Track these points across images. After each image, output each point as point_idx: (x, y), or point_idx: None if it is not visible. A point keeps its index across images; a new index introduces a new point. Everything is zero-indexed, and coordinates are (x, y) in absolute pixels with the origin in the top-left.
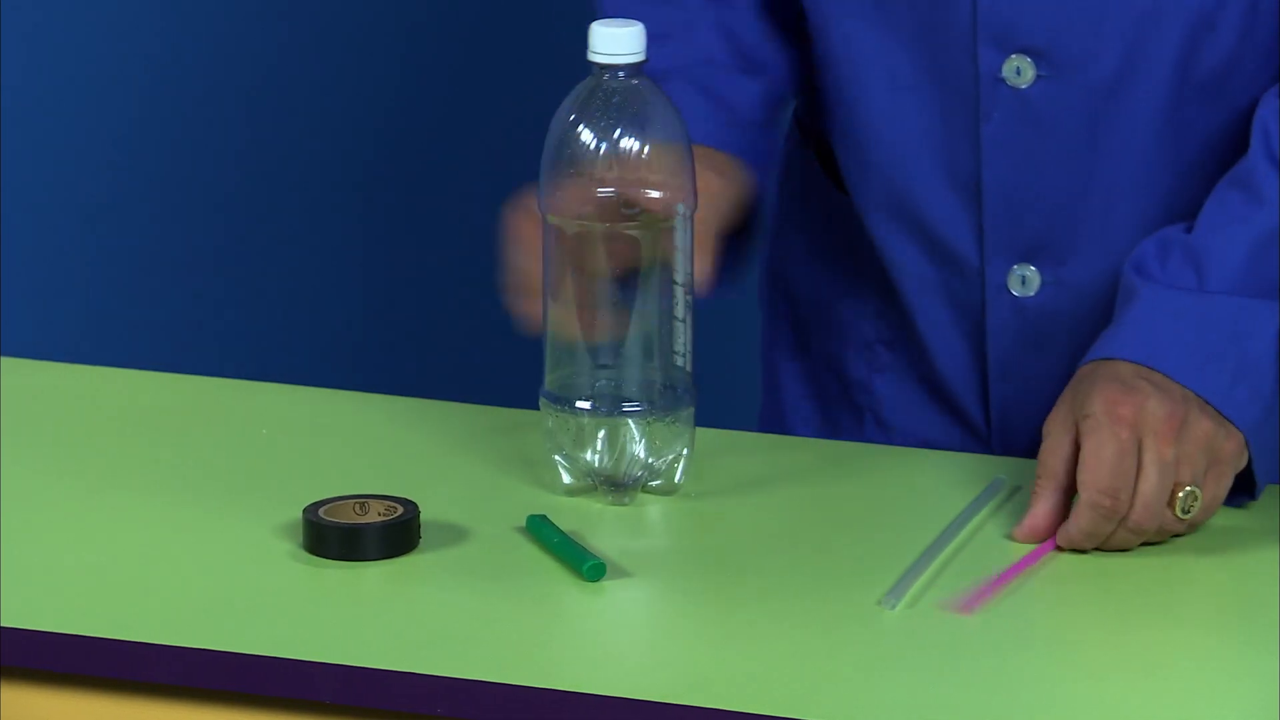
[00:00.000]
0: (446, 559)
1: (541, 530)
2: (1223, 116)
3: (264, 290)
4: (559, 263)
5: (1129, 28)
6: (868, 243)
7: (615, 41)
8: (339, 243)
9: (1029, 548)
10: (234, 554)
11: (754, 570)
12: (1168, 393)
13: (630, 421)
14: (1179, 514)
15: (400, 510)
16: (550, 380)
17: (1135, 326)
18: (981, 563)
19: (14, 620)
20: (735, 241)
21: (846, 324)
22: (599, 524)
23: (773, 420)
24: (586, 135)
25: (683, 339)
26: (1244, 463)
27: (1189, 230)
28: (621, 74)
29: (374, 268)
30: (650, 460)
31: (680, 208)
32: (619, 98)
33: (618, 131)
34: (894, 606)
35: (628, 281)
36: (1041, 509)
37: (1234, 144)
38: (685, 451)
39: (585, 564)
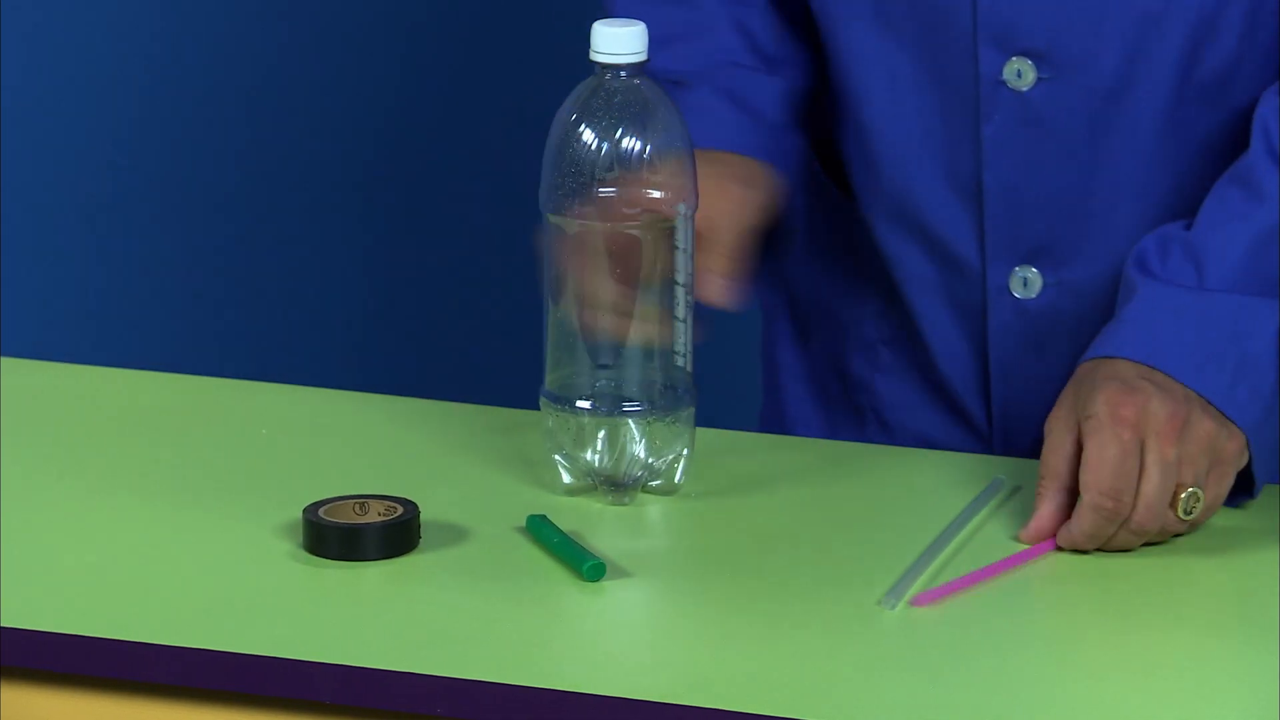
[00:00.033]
0: (446, 559)
1: (541, 530)
2: (1224, 118)
3: (264, 290)
4: (559, 263)
5: (1129, 30)
6: (869, 242)
7: (617, 41)
8: (339, 243)
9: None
10: (234, 554)
11: (754, 570)
12: (1170, 393)
13: (630, 421)
14: (1181, 515)
15: (400, 510)
16: (550, 380)
17: (1136, 324)
18: (981, 563)
19: (14, 620)
20: (766, 248)
21: (848, 324)
22: (599, 524)
23: (773, 420)
24: (588, 135)
25: (683, 339)
26: (1245, 462)
27: (1189, 227)
28: (623, 74)
29: (374, 268)
30: (650, 460)
31: (681, 208)
32: (620, 97)
33: (619, 131)
34: (894, 606)
35: (628, 281)
36: (1046, 509)
37: (1235, 145)
38: (685, 451)
39: (585, 564)
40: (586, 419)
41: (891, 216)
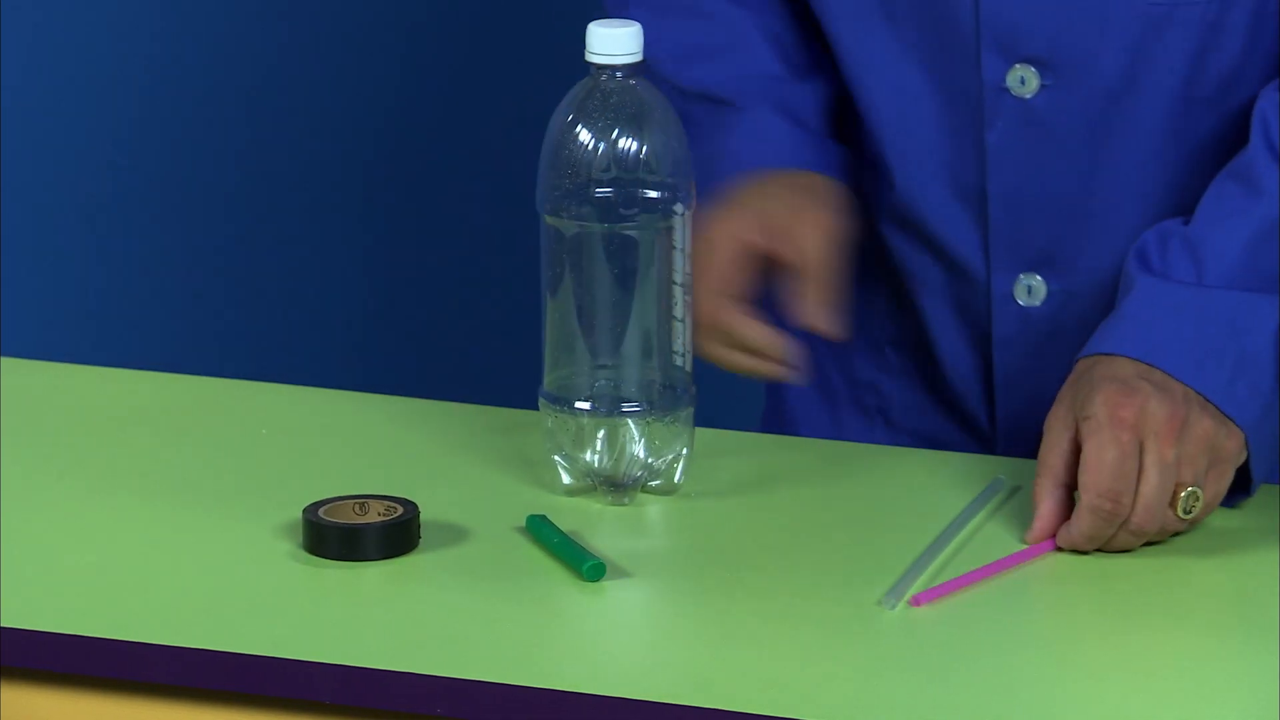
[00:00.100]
0: (446, 559)
1: (541, 530)
2: (1228, 122)
3: (264, 290)
4: (558, 262)
5: (1133, 35)
6: (877, 244)
7: (613, 42)
8: (339, 243)
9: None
10: (234, 554)
11: (754, 570)
12: (1169, 393)
13: (630, 421)
14: (1180, 514)
15: (400, 510)
16: (550, 380)
17: (1135, 321)
18: (981, 563)
19: (14, 620)
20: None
21: (857, 323)
22: (599, 524)
23: (776, 420)
24: (584, 136)
25: (682, 339)
26: (1244, 459)
27: (1188, 222)
28: (619, 74)
29: (374, 267)
30: (650, 460)
31: (679, 207)
32: (616, 98)
33: (615, 132)
34: (894, 606)
35: (627, 281)
36: (1046, 508)
37: (1240, 150)
38: (685, 451)
39: (585, 564)
40: (586, 419)
41: (898, 221)
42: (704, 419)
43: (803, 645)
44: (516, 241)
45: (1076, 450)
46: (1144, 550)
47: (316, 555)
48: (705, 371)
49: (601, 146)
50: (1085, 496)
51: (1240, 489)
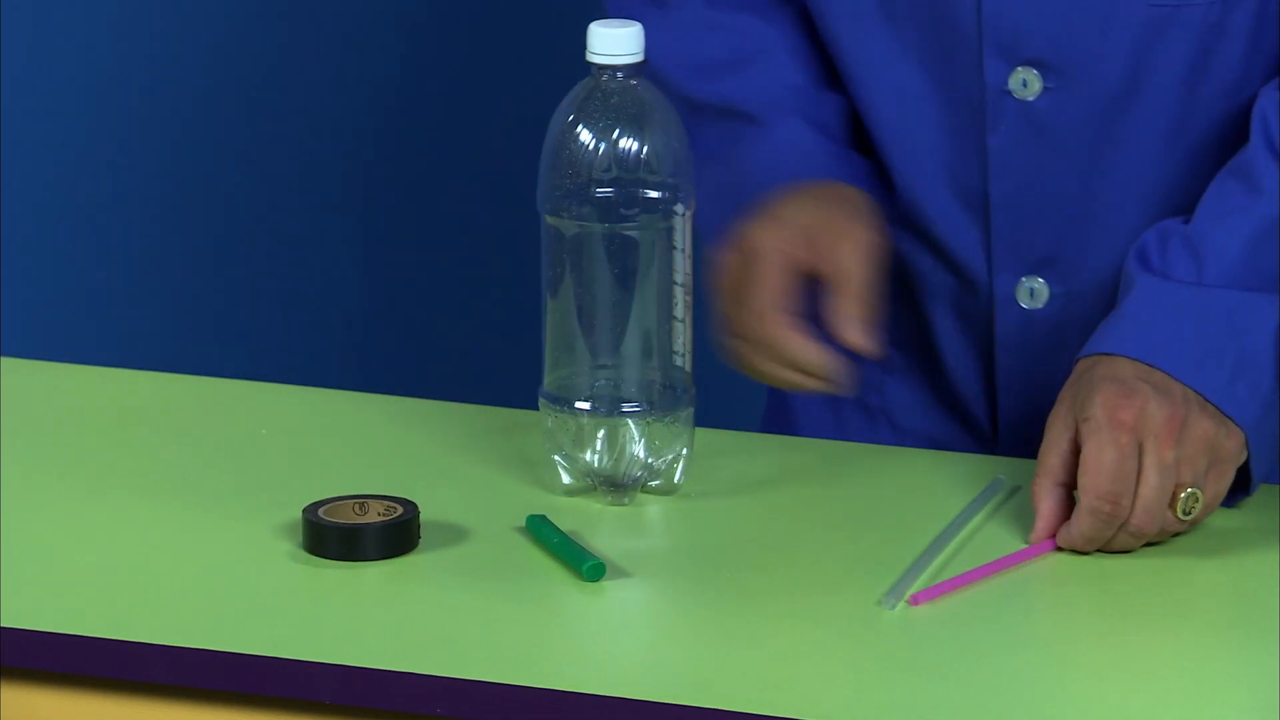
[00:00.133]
0: (446, 559)
1: (541, 530)
2: (1230, 124)
3: (264, 290)
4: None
5: (1136, 37)
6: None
7: (614, 42)
8: (339, 243)
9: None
10: (234, 554)
11: (754, 570)
12: (1167, 394)
13: (630, 421)
14: (1180, 515)
15: (400, 510)
16: (550, 380)
17: (1135, 321)
18: (981, 563)
19: (14, 620)
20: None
21: None
22: (599, 524)
23: (778, 420)
24: (585, 136)
25: (682, 339)
26: (1243, 459)
27: (1188, 221)
28: (620, 74)
29: (374, 268)
30: (650, 460)
31: (679, 207)
32: (617, 98)
33: (616, 132)
34: (894, 606)
35: (627, 282)
36: (1046, 506)
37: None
38: (685, 451)
39: (585, 564)
40: (586, 419)
41: (900, 224)
42: (704, 419)
43: (803, 645)
44: (516, 241)
45: (1076, 450)
46: (1144, 550)
47: (316, 555)
48: (705, 371)
49: (602, 146)
50: (1084, 498)
51: (1240, 488)
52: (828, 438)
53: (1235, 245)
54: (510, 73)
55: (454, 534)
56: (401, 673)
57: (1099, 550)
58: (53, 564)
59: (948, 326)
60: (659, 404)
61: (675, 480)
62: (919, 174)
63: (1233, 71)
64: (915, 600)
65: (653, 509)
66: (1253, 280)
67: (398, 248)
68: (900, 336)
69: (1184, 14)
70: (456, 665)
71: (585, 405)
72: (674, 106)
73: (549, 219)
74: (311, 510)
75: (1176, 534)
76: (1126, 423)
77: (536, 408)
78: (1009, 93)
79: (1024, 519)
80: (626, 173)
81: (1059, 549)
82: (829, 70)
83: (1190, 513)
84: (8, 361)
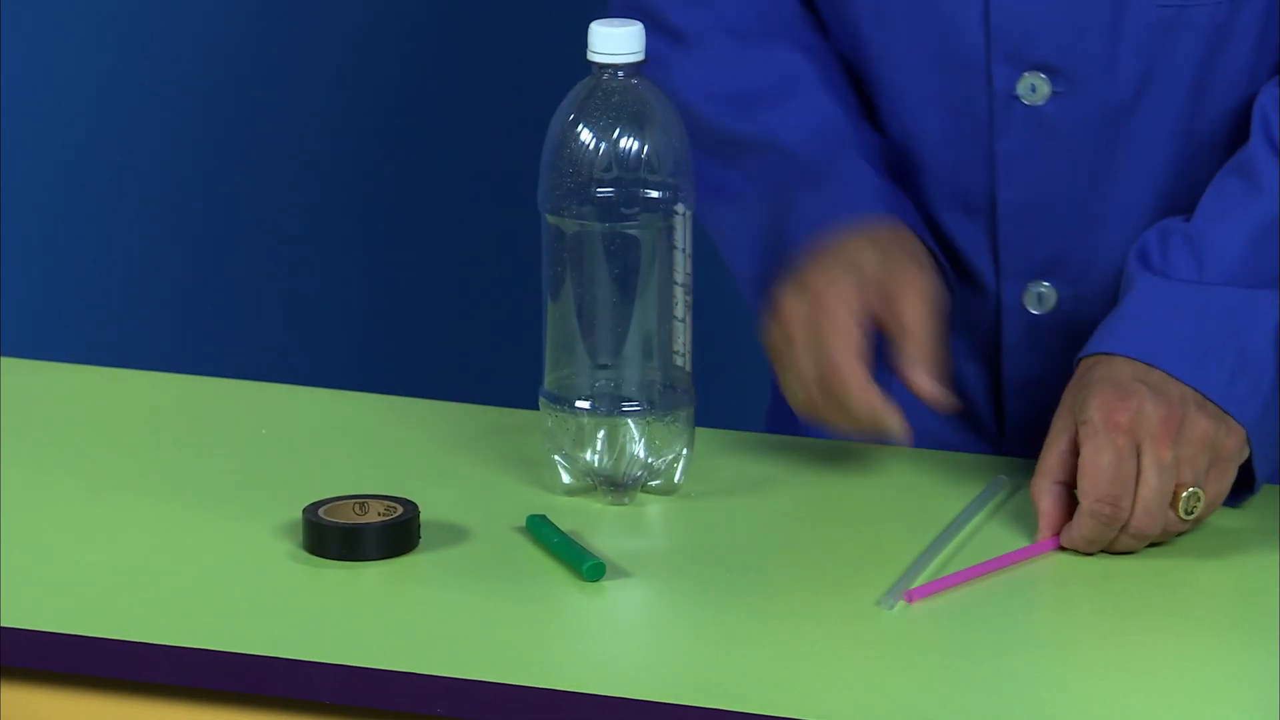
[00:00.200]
0: (446, 559)
1: (541, 530)
2: (1238, 126)
3: (264, 290)
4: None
5: (1144, 40)
6: None
7: (614, 41)
8: (339, 242)
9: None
10: (234, 554)
11: (754, 570)
12: (1164, 394)
13: (630, 421)
14: (1182, 515)
15: (400, 510)
16: (550, 380)
17: (1134, 321)
18: (981, 562)
19: (14, 620)
20: None
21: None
22: (599, 524)
23: (781, 418)
24: (586, 135)
25: (682, 339)
26: (1245, 457)
27: (1189, 219)
28: (621, 74)
29: (374, 268)
30: (650, 460)
31: (680, 207)
32: (618, 97)
33: (617, 131)
34: (892, 606)
35: (627, 281)
36: (1047, 506)
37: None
38: (685, 451)
39: (585, 564)
40: (586, 419)
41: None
42: (704, 419)
43: (803, 645)
44: (516, 241)
45: (1075, 451)
46: (1145, 550)
47: (316, 555)
48: (705, 371)
49: (603, 146)
50: (1084, 501)
51: (1245, 487)
52: (831, 437)
53: (1236, 243)
54: (510, 73)
55: (454, 534)
56: (401, 673)
57: (1102, 551)
58: (53, 564)
59: (954, 330)
60: (659, 404)
61: (675, 480)
62: (926, 180)
63: (1240, 72)
64: (911, 597)
65: (653, 509)
66: (1253, 277)
67: (398, 248)
68: None
69: (1192, 14)
70: (456, 665)
71: (585, 405)
72: (699, 140)
73: (549, 218)
74: (311, 510)
75: (1180, 534)
76: (1123, 424)
77: (536, 408)
78: (1017, 98)
79: (1024, 519)
80: (627, 172)
81: (1062, 548)
82: (861, 99)
83: (1192, 512)
84: (8, 361)
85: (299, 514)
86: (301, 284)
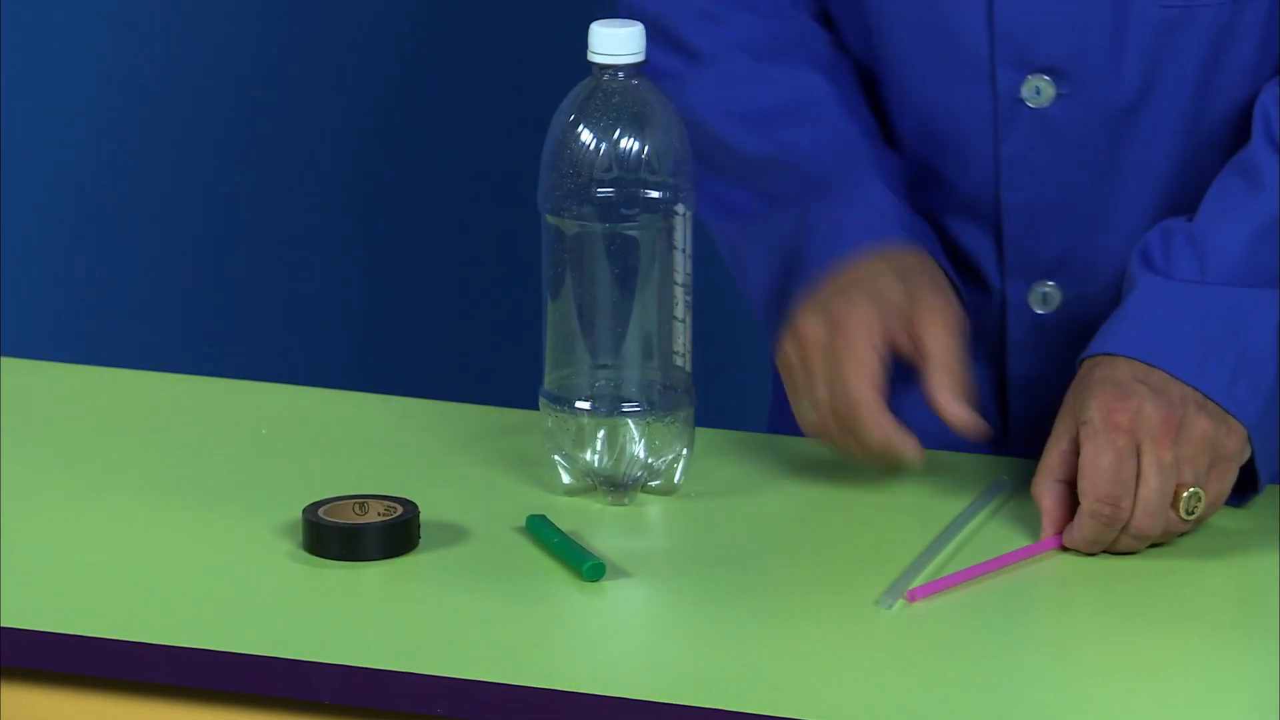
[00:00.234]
0: (446, 559)
1: (541, 530)
2: (1242, 126)
3: (264, 290)
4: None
5: (1148, 42)
6: None
7: (615, 42)
8: (339, 242)
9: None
10: (234, 554)
11: (754, 570)
12: (1164, 395)
13: (630, 421)
14: (1183, 515)
15: (400, 510)
16: (550, 380)
17: (1136, 321)
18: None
19: (14, 620)
20: None
21: None
22: (599, 524)
23: (783, 418)
24: (586, 136)
25: (682, 339)
26: (1246, 457)
27: (1191, 219)
28: (621, 74)
29: (374, 268)
30: (650, 460)
31: (680, 207)
32: (618, 98)
33: (617, 132)
34: (891, 606)
35: (627, 281)
36: (1049, 504)
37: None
38: (685, 452)
39: (585, 564)
40: (586, 419)
41: None
42: (704, 419)
43: (803, 645)
44: (516, 241)
45: (1076, 450)
46: (1145, 551)
47: (316, 555)
48: (705, 371)
49: (603, 146)
50: (1085, 502)
51: (1249, 487)
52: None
53: (1238, 243)
54: (510, 73)
55: (454, 534)
56: (401, 673)
57: (1104, 552)
58: (53, 564)
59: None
60: (659, 404)
61: (675, 480)
62: (930, 183)
63: (1243, 72)
64: (912, 596)
65: (653, 509)
66: (1255, 277)
67: (398, 248)
68: None
69: (1195, 15)
70: (456, 665)
71: (585, 405)
72: (710, 158)
73: (550, 219)
74: (311, 510)
75: (1181, 534)
76: (1122, 425)
77: (536, 408)
78: (1021, 101)
79: (1025, 519)
80: (627, 172)
81: (1063, 548)
82: (879, 118)
83: (1193, 512)
84: (8, 361)
85: (299, 514)
86: (301, 284)
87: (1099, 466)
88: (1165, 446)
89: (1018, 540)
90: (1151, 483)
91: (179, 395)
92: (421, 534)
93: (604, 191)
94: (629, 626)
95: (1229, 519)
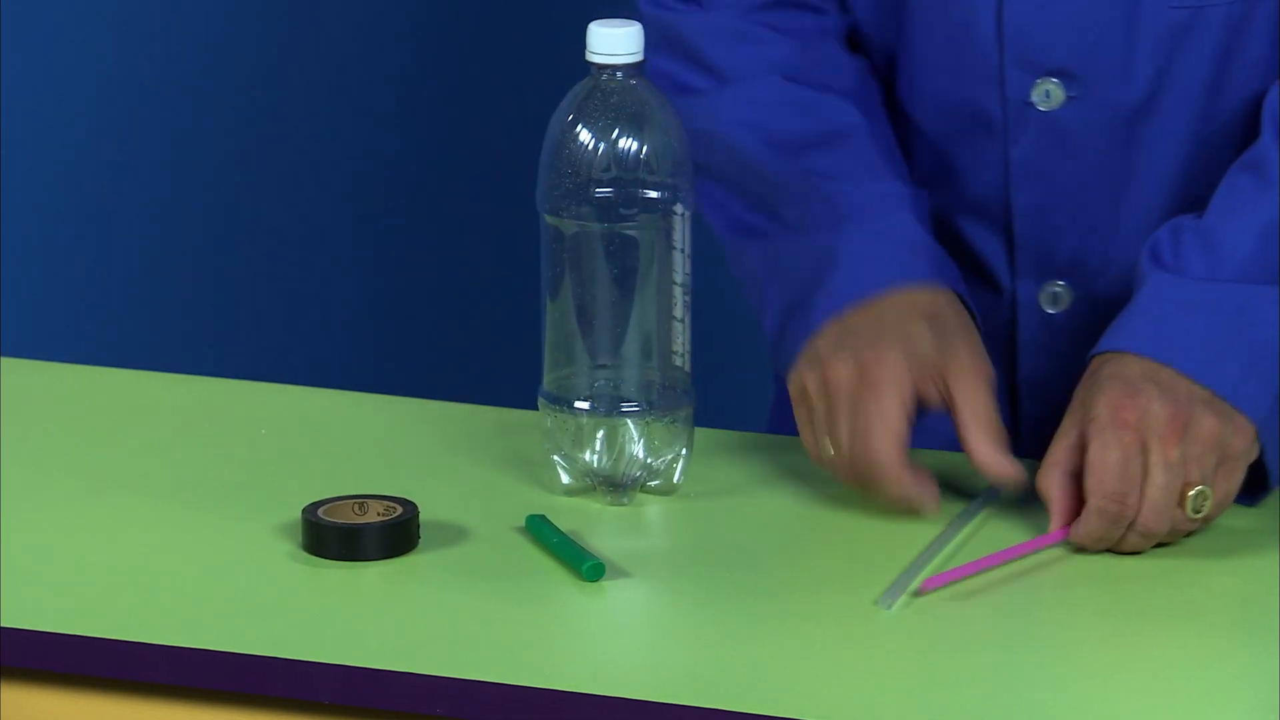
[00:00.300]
0: (446, 559)
1: (541, 530)
2: (1252, 125)
3: (264, 290)
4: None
5: (1159, 42)
6: None
7: (613, 42)
8: (339, 243)
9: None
10: (234, 554)
11: (753, 570)
12: (1171, 393)
13: (629, 422)
14: (1190, 514)
15: (400, 510)
16: (549, 380)
17: (1145, 318)
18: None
19: (14, 620)
20: None
21: None
22: (598, 524)
23: (783, 419)
24: (585, 136)
25: (681, 339)
26: (1255, 455)
27: (1201, 216)
28: (620, 74)
29: (374, 268)
30: (649, 460)
31: (679, 207)
32: (617, 98)
33: (616, 131)
34: (890, 606)
35: (626, 281)
36: (1055, 496)
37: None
38: (684, 452)
39: (584, 564)
40: (585, 419)
41: None
42: (704, 419)
43: (802, 645)
44: (516, 241)
45: (1084, 447)
46: (1151, 550)
47: (316, 555)
48: (705, 371)
49: (602, 146)
50: (1091, 499)
51: (1261, 486)
52: None
53: (1247, 239)
54: (510, 73)
55: (454, 534)
56: (401, 673)
57: (1110, 550)
58: (53, 564)
59: None
60: (658, 404)
61: (675, 480)
62: (941, 185)
63: (1253, 71)
64: (925, 587)
65: (652, 509)
66: (1264, 274)
67: (398, 248)
68: None
69: (1206, 14)
70: (456, 665)
71: (585, 405)
72: (730, 176)
73: (549, 219)
74: (311, 510)
75: (1189, 533)
76: (1129, 422)
77: (536, 408)
78: (1031, 104)
79: (1025, 519)
80: (626, 172)
81: (1071, 545)
82: (895, 112)
83: (1200, 511)
84: (8, 361)
85: (299, 514)
86: (302, 284)
87: (1106, 463)
88: (1172, 445)
89: (1022, 536)
90: (1158, 480)
91: (179, 395)
92: (421, 534)
93: (603, 191)
94: (629, 626)
95: (1235, 518)
